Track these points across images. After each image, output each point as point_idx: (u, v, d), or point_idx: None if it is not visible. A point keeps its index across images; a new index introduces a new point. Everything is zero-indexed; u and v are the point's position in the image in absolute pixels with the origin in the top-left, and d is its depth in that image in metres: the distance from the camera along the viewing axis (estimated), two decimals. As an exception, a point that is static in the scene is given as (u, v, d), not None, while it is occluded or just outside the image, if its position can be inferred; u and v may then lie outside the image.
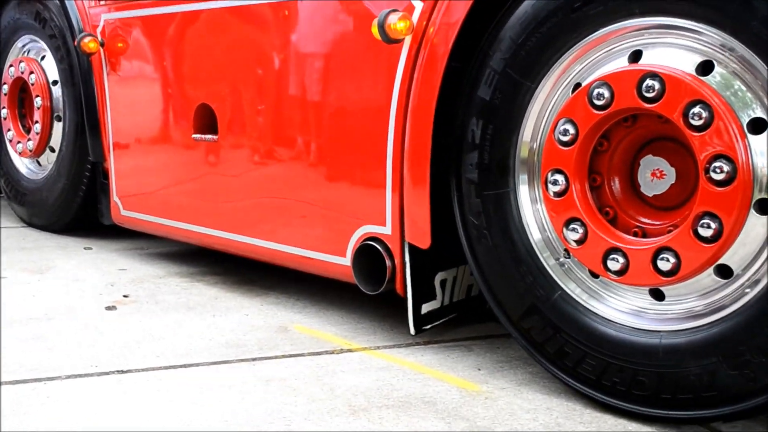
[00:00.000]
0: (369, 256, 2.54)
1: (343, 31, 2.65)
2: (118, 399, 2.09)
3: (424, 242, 2.38)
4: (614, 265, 1.98)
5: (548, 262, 2.16)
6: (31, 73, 4.21)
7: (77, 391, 2.13)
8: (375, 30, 2.35)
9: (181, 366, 2.34)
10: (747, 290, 1.84)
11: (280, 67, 2.85)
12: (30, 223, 4.47)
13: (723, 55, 1.85)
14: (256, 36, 2.94)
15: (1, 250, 3.83)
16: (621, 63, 1.99)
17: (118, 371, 2.28)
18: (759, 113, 1.80)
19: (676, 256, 1.88)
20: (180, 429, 1.91)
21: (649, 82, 1.88)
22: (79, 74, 3.89)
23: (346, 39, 2.63)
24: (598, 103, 1.97)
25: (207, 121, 3.17)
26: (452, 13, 2.26)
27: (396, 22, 2.32)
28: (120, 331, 2.64)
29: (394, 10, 2.34)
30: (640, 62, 1.96)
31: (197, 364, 2.36)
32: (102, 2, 3.74)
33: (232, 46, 3.04)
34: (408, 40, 2.37)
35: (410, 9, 2.36)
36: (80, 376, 2.24)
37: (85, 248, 3.95)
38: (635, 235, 2.03)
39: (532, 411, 2.06)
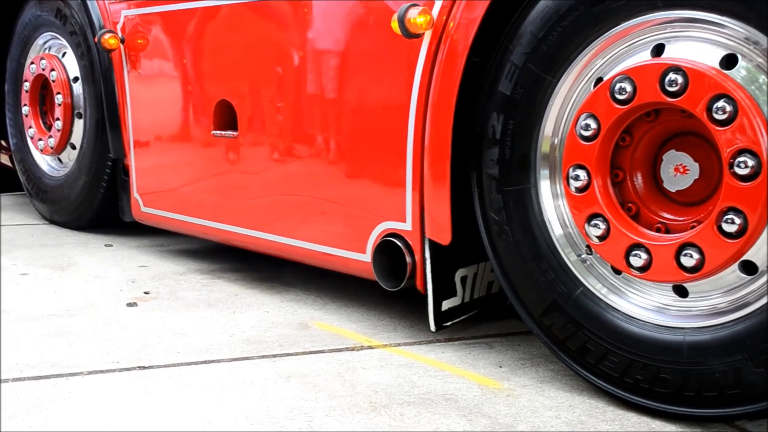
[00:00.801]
0: (389, 252, 2.54)
1: (363, 27, 2.64)
2: (140, 395, 2.09)
3: (445, 238, 2.37)
4: (637, 261, 1.96)
5: (570, 258, 2.15)
6: (52, 70, 4.23)
7: (99, 387, 2.14)
8: (395, 25, 2.34)
9: (202, 362, 2.34)
10: (772, 287, 1.82)
11: (300, 63, 2.85)
12: (51, 220, 4.50)
13: (747, 48, 1.82)
14: (276, 32, 2.94)
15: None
16: (643, 57, 1.97)
17: (139, 367, 2.29)
18: (784, 107, 1.78)
19: (700, 252, 1.86)
20: (201, 425, 1.91)
21: (672, 75, 1.85)
22: (99, 71, 3.90)
23: (366, 34, 2.62)
24: (620, 97, 1.95)
25: (227, 118, 3.17)
26: (472, 8, 2.25)
27: (416, 17, 2.31)
28: (141, 328, 2.65)
29: (414, 5, 2.32)
30: (663, 56, 1.94)
31: (218, 361, 2.36)
32: (122, -1, 3.76)
33: (252, 41, 3.03)
34: (428, 35, 2.36)
35: (430, 3, 2.35)
36: (102, 372, 2.25)
37: (105, 245, 3.97)
38: (658, 230, 2.01)
39: (554, 408, 2.05)
